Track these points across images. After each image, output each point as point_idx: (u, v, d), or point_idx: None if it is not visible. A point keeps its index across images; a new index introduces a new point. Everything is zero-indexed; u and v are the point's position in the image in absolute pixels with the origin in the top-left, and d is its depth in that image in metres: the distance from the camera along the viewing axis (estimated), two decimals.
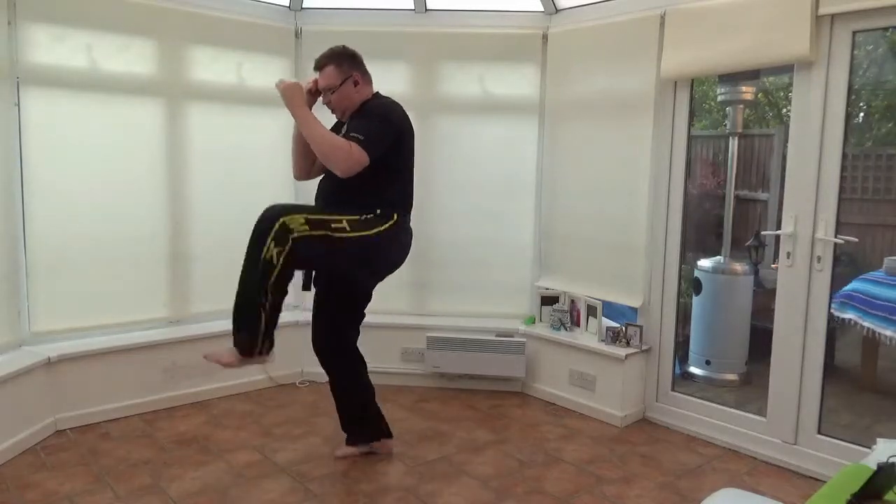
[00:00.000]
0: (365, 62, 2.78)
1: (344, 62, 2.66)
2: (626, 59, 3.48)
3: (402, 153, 2.69)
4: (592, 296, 3.72)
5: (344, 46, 2.70)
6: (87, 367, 3.27)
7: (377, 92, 2.78)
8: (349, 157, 2.48)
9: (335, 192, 2.68)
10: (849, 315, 3.77)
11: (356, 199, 2.61)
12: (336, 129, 2.72)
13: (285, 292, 2.57)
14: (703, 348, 4.25)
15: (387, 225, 2.64)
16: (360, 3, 3.91)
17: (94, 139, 3.33)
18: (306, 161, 2.80)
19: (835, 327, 3.80)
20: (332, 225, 2.52)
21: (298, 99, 2.56)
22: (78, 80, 3.26)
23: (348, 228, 2.54)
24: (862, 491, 1.50)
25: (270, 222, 2.45)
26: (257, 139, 3.82)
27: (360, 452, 2.99)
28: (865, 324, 3.74)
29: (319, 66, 2.68)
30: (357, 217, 2.58)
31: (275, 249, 2.44)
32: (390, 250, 2.73)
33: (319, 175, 2.84)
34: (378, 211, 2.63)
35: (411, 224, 2.81)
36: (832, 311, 3.75)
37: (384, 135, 2.58)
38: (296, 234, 2.45)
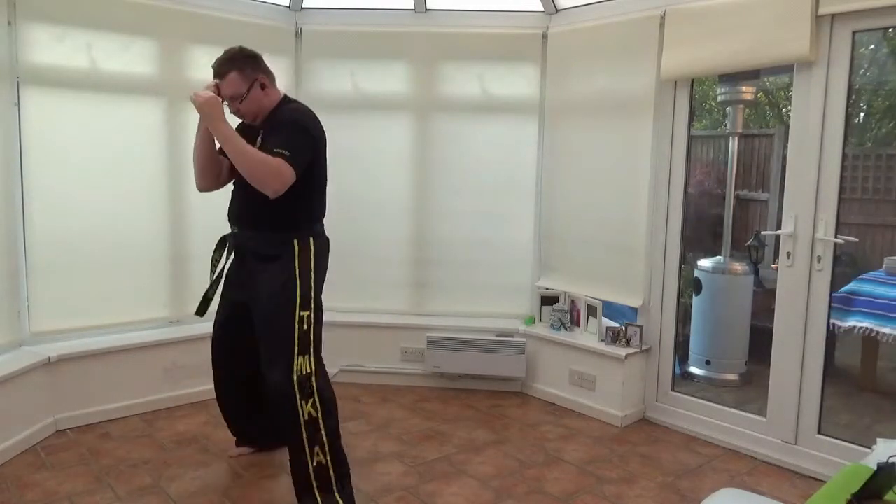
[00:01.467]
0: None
1: (246, 66, 2.44)
2: (625, 59, 3.48)
3: (321, 163, 2.51)
4: (592, 296, 3.72)
5: (241, 48, 2.48)
6: (87, 367, 3.27)
7: (285, 95, 2.59)
8: (280, 175, 2.30)
9: (249, 212, 2.52)
10: (850, 323, 3.77)
11: (273, 217, 2.45)
12: (247, 136, 2.44)
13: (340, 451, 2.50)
14: (703, 348, 4.25)
15: (313, 248, 2.52)
16: (360, 3, 3.91)
17: (94, 139, 3.33)
18: (211, 173, 2.59)
19: (835, 335, 3.79)
20: (304, 327, 2.43)
21: (219, 112, 2.34)
22: (78, 80, 3.26)
23: (307, 309, 2.45)
24: (862, 491, 1.50)
25: (286, 388, 2.39)
26: None
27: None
28: (865, 324, 3.74)
29: (220, 73, 2.44)
30: (292, 281, 2.44)
31: (308, 406, 2.40)
32: (325, 265, 2.61)
33: (223, 186, 2.64)
34: (296, 240, 2.47)
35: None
36: (835, 321, 3.77)
37: (306, 147, 2.41)
38: (311, 370, 2.42)
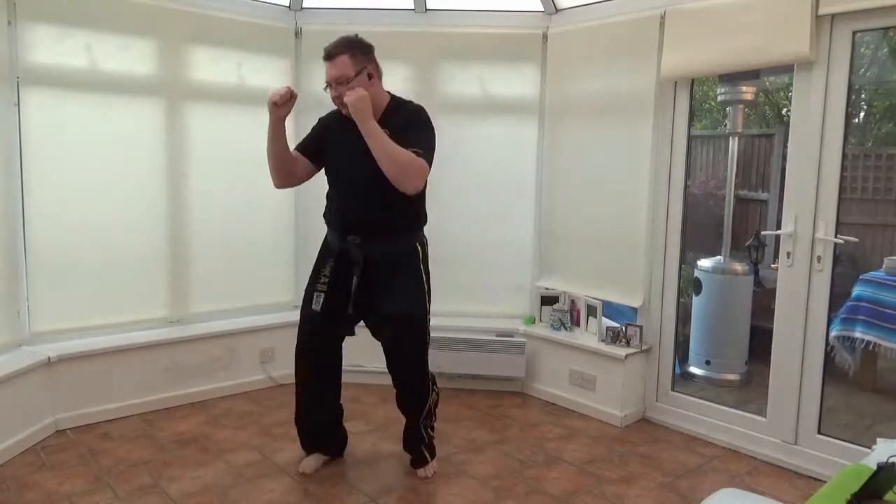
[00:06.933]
0: None
1: (359, 52, 2.48)
2: (626, 59, 3.48)
3: None
4: (592, 296, 3.72)
5: (357, 35, 2.53)
6: (87, 367, 3.27)
7: (390, 92, 2.64)
8: (423, 172, 2.42)
9: (376, 218, 2.56)
10: (856, 334, 3.75)
11: (400, 222, 2.60)
12: (339, 130, 2.56)
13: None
14: (703, 348, 4.25)
15: (427, 250, 2.70)
16: (360, 3, 3.91)
17: (94, 139, 3.32)
18: (284, 170, 2.64)
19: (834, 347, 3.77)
20: (429, 326, 2.70)
21: (369, 107, 2.39)
22: (78, 80, 3.26)
23: (429, 310, 2.69)
24: (862, 491, 1.50)
25: (423, 382, 2.77)
26: (257, 139, 3.81)
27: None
28: (869, 337, 3.73)
29: (332, 54, 2.46)
30: (423, 285, 2.65)
31: (433, 395, 2.86)
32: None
33: (300, 183, 2.75)
34: (418, 244, 2.66)
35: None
36: (840, 333, 3.75)
37: (434, 148, 2.52)
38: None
